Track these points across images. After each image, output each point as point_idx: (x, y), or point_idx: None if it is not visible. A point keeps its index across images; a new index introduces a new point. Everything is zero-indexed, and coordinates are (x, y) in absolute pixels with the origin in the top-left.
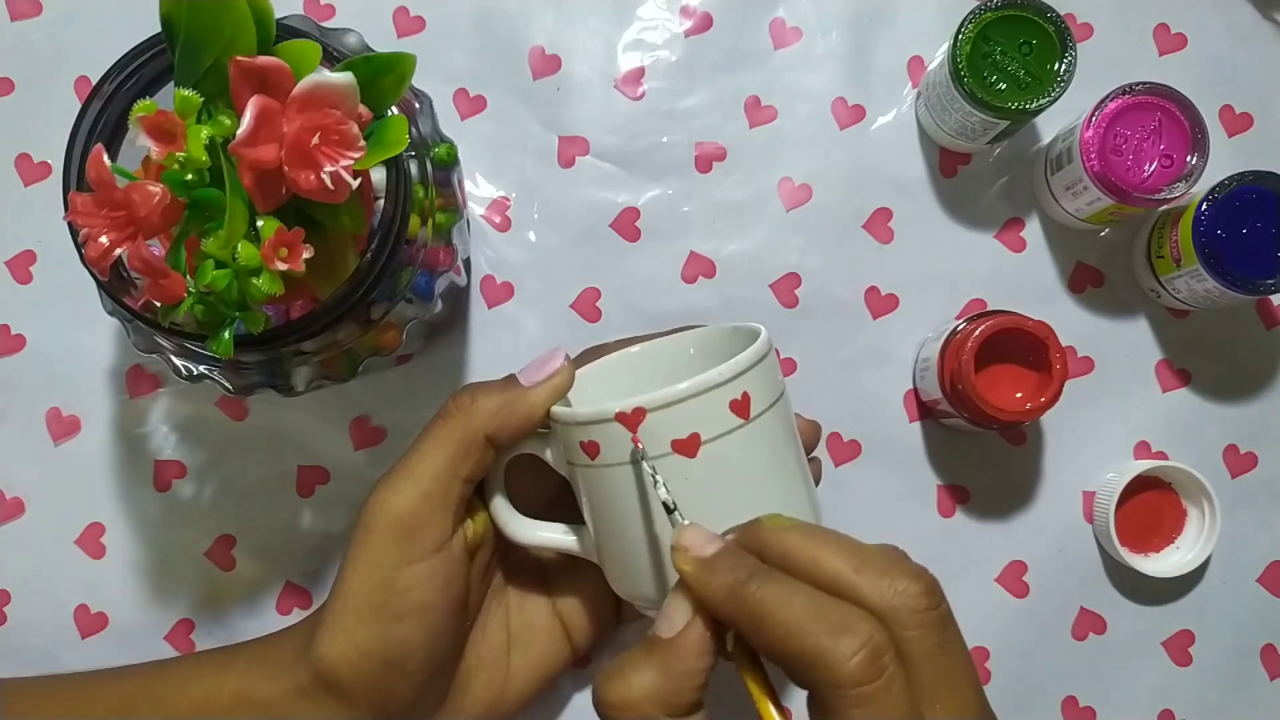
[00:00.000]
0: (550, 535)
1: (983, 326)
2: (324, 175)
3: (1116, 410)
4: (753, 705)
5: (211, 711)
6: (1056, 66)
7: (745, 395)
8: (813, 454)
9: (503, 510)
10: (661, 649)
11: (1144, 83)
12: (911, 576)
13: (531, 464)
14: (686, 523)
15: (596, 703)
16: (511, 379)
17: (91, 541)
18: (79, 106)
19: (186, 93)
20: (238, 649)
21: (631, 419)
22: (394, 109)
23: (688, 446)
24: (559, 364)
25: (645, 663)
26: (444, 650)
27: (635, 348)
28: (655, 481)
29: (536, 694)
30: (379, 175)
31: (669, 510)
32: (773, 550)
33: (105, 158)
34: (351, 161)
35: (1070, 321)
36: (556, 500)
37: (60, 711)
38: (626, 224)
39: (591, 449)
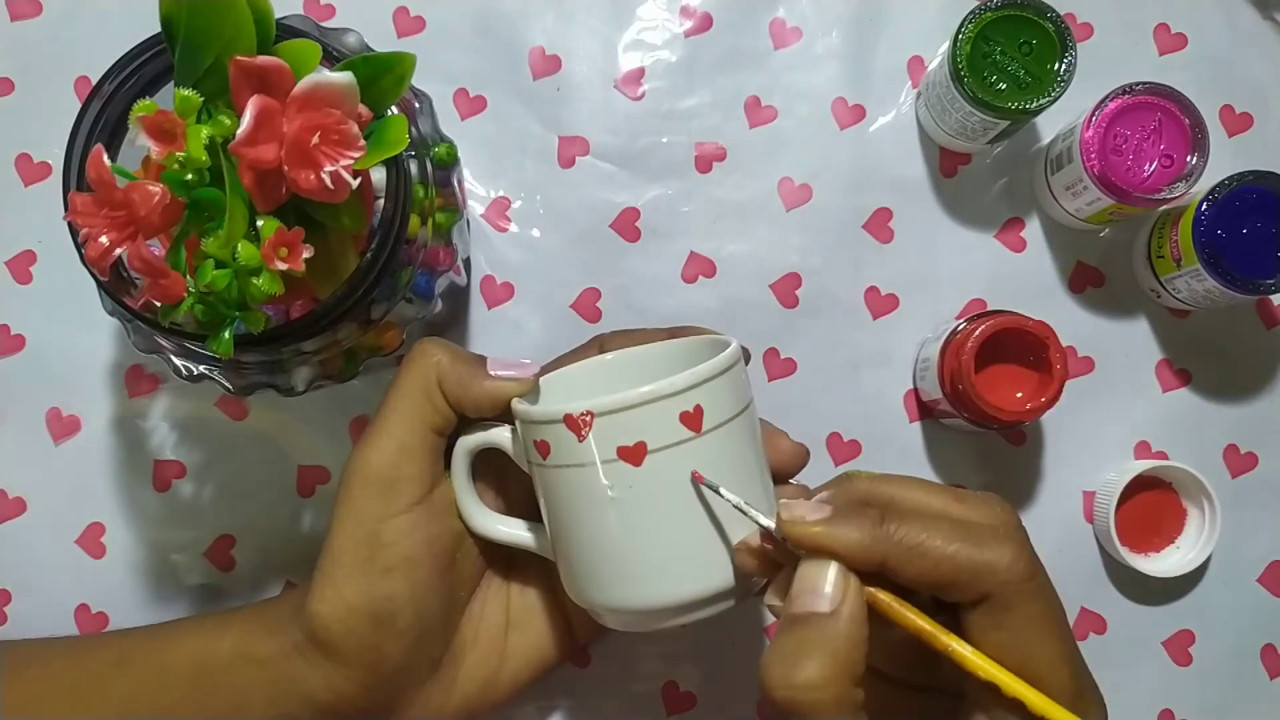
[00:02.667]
0: (509, 530)
1: (983, 326)
2: (324, 175)
3: (1116, 410)
4: (922, 641)
5: (209, 666)
6: (1056, 66)
7: (698, 408)
8: (793, 478)
9: (467, 502)
10: (825, 623)
11: (1144, 83)
12: (994, 501)
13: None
14: (784, 500)
15: (776, 702)
16: (481, 360)
17: (91, 541)
18: (79, 106)
19: (186, 93)
20: (236, 609)
21: (579, 421)
22: (394, 109)
23: (633, 454)
24: (518, 374)
25: (816, 641)
26: (433, 610)
27: (609, 355)
28: (719, 492)
29: (531, 680)
30: (379, 175)
31: (743, 511)
32: (879, 498)
33: (105, 158)
34: (351, 161)
35: (1070, 321)
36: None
37: (56, 668)
38: (626, 224)
39: (543, 448)
